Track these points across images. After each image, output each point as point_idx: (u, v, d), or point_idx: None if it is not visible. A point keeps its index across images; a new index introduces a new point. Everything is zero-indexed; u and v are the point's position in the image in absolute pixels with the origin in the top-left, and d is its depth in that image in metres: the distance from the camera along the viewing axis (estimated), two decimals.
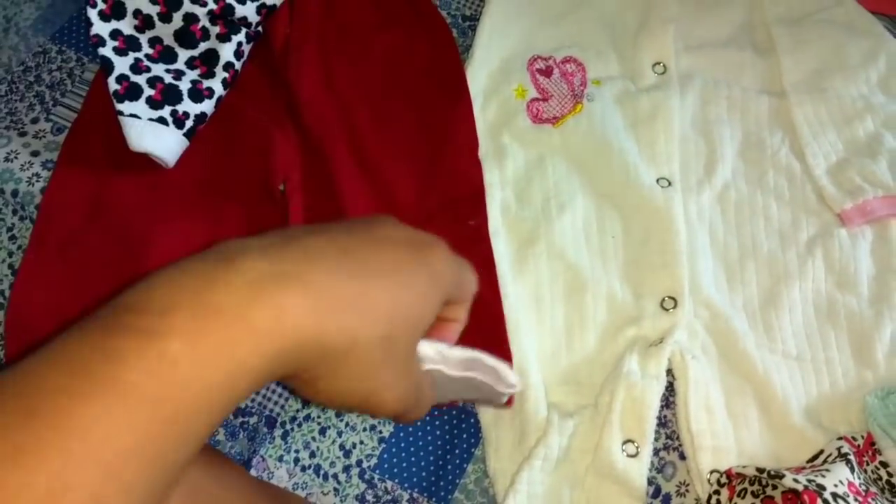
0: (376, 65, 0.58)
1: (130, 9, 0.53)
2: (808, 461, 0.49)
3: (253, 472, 0.49)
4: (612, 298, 0.53)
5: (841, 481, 0.46)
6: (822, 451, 0.49)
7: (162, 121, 0.51)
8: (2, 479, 0.19)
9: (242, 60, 0.56)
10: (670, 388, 0.52)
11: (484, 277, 0.51)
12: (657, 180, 0.56)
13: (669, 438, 0.52)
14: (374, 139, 0.56)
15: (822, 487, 0.43)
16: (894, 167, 0.56)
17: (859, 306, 0.53)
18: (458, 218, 0.54)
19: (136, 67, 0.52)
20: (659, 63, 0.61)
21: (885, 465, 0.49)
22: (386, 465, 0.51)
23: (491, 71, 0.61)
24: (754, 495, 0.47)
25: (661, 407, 0.51)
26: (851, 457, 0.48)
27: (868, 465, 0.49)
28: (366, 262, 0.28)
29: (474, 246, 0.53)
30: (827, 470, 0.46)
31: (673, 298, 0.53)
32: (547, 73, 0.61)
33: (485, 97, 0.60)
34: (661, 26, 0.62)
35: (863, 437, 0.49)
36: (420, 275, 0.29)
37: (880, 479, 0.49)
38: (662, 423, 0.52)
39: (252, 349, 0.23)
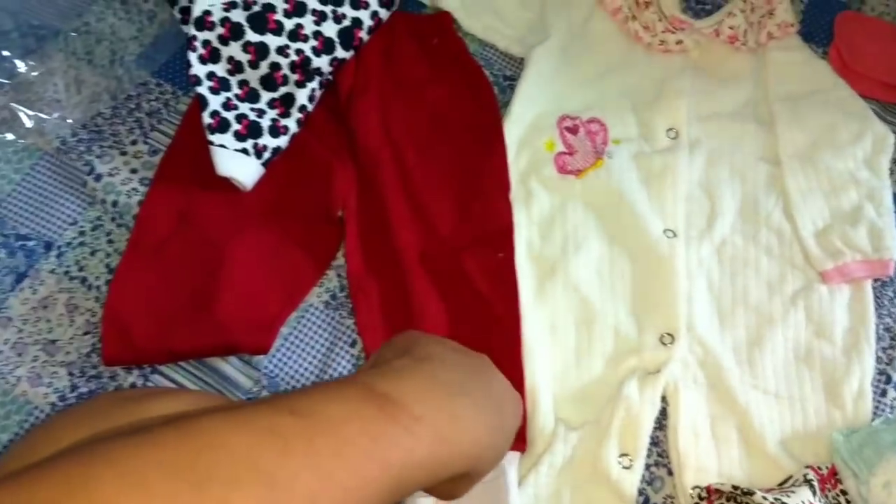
0: (425, 113, 0.67)
1: (225, 55, 0.62)
2: (778, 485, 0.57)
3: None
4: (618, 330, 0.62)
5: (803, 502, 0.53)
6: (790, 476, 0.57)
7: (245, 151, 0.61)
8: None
9: (314, 104, 0.65)
10: (663, 413, 0.60)
11: (508, 303, 0.60)
12: (664, 231, 0.65)
13: (660, 456, 0.59)
14: (419, 177, 0.65)
15: None
16: (873, 235, 0.64)
17: (833, 354, 0.61)
18: (488, 250, 0.63)
19: (227, 105, 0.61)
20: (672, 129, 0.70)
21: (844, 493, 0.56)
22: None
23: (525, 125, 0.69)
24: None
25: (655, 428, 0.59)
26: (815, 483, 0.55)
27: (830, 491, 0.56)
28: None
29: (502, 275, 0.61)
30: (792, 491, 0.54)
31: (671, 335, 0.61)
32: (574, 130, 0.69)
33: (518, 147, 0.69)
34: (674, 98, 0.70)
35: (828, 467, 0.57)
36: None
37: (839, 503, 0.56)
38: (655, 442, 0.59)
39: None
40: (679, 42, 0.73)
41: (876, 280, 0.65)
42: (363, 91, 0.67)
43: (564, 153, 0.69)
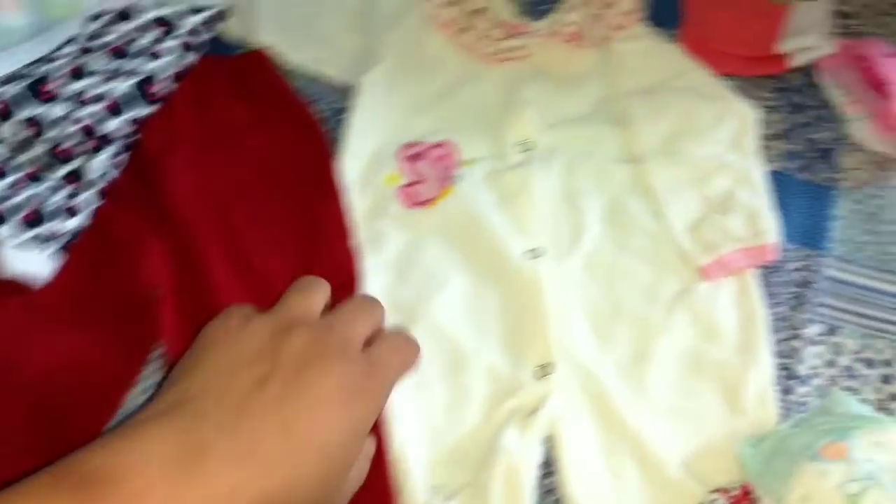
0: (251, 165, 0.61)
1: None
2: None
3: None
4: (491, 372, 0.55)
5: None
6: None
7: (36, 240, 0.53)
8: None
9: (118, 170, 0.58)
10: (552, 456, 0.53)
11: None
12: (526, 252, 0.59)
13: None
14: (249, 237, 0.57)
15: None
16: (748, 221, 0.59)
17: (725, 356, 0.56)
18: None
19: (10, 190, 0.54)
20: (523, 141, 0.64)
21: None
22: None
23: (364, 161, 0.63)
24: None
25: (546, 474, 0.52)
26: None
27: None
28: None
29: None
30: None
31: (546, 366, 0.54)
32: (417, 158, 0.63)
33: (361, 186, 0.62)
34: (522, 108, 0.65)
35: (740, 486, 0.51)
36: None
37: None
38: (549, 490, 0.52)
39: None
40: (518, 48, 0.68)
41: (761, 267, 0.60)
42: (174, 148, 0.60)
43: (410, 184, 0.62)
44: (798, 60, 0.68)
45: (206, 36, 0.63)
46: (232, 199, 0.59)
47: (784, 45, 0.67)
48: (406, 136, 0.64)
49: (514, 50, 0.67)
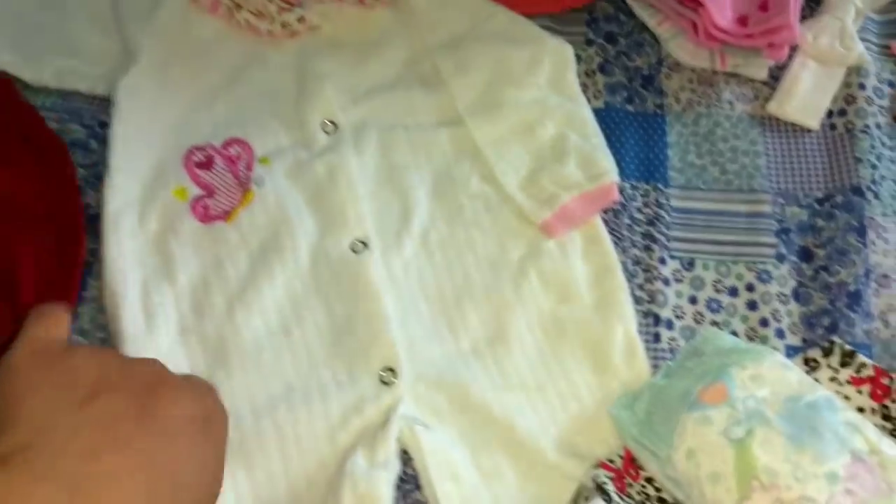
0: None
1: None
2: (570, 503, 0.44)
3: None
4: (326, 394, 0.47)
5: None
6: (580, 487, 0.44)
7: None
8: None
9: None
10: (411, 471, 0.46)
11: None
12: (351, 246, 0.51)
13: None
14: None
15: None
16: (584, 165, 0.54)
17: (585, 315, 0.50)
18: None
19: None
20: (326, 121, 0.56)
21: (650, 480, 0.45)
22: None
23: (142, 177, 0.53)
24: None
25: (413, 490, 0.45)
26: (609, 485, 0.43)
27: (632, 486, 0.45)
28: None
29: None
30: None
31: (391, 369, 0.47)
32: (207, 164, 0.54)
33: (142, 206, 0.52)
34: (317, 84, 0.57)
35: (621, 456, 0.45)
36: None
37: (648, 497, 0.45)
38: None
39: None
40: (301, 19, 0.60)
41: (606, 212, 0.55)
42: None
43: (203, 196, 0.53)
44: None
45: None
46: None
47: None
48: (190, 140, 0.55)
49: (298, 22, 0.59)
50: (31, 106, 0.55)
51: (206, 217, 0.53)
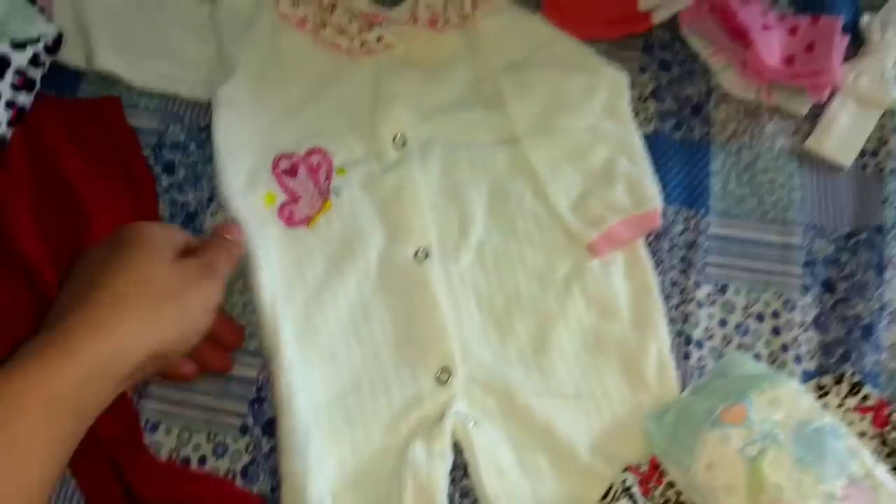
0: (80, 215, 0.57)
1: None
2: (599, 501, 0.51)
3: None
4: (389, 387, 0.54)
5: None
6: (610, 488, 0.51)
7: None
8: None
9: None
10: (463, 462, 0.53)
11: None
12: (415, 254, 0.57)
13: None
14: None
15: None
16: (631, 190, 0.59)
17: (623, 331, 0.56)
18: None
19: None
20: (397, 136, 0.62)
21: (672, 485, 0.51)
22: None
23: (240, 184, 0.59)
24: None
25: (462, 477, 0.52)
26: (635, 488, 0.50)
27: (655, 489, 0.51)
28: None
29: None
30: None
31: (447, 370, 0.54)
32: (293, 172, 0.61)
33: (241, 203, 0.58)
34: (391, 101, 0.63)
35: (647, 461, 0.52)
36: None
37: (669, 500, 0.51)
38: (464, 493, 0.52)
39: None
40: (380, 39, 0.65)
41: (648, 235, 0.60)
42: (13, 195, 0.55)
43: (288, 202, 0.60)
44: (660, 17, 0.67)
45: (36, 73, 0.58)
46: (66, 247, 0.55)
47: (644, 3, 0.66)
48: (278, 147, 0.61)
49: (376, 41, 0.65)
50: (133, 131, 0.62)
51: (290, 221, 0.59)
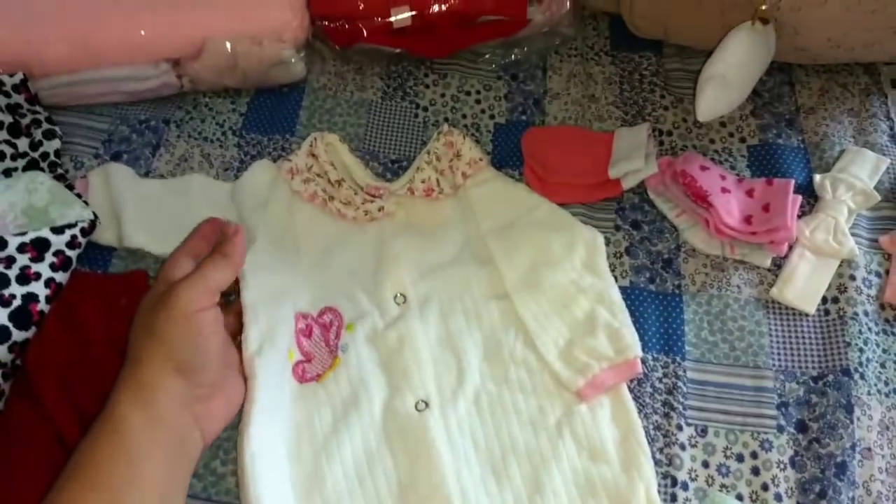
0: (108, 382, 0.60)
1: None
2: None
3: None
4: None
5: None
6: None
7: None
8: None
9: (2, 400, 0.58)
10: None
11: None
12: (416, 405, 0.62)
13: None
14: None
15: None
16: (612, 339, 0.65)
17: (612, 474, 0.59)
18: None
19: None
20: (398, 294, 0.68)
21: None
22: None
23: (261, 330, 0.64)
24: None
25: None
26: None
27: None
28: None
29: None
30: None
31: None
32: (308, 333, 0.66)
33: (260, 362, 0.63)
34: (393, 262, 0.69)
35: None
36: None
37: None
38: None
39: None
40: (381, 208, 0.72)
41: (631, 381, 0.65)
42: (45, 362, 0.60)
43: (302, 361, 0.65)
44: (628, 183, 0.75)
45: (73, 253, 0.64)
46: (91, 409, 0.59)
47: (612, 172, 0.75)
48: (296, 307, 0.67)
49: (378, 210, 0.72)
50: None
51: (303, 378, 0.64)
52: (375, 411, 0.62)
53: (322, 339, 0.66)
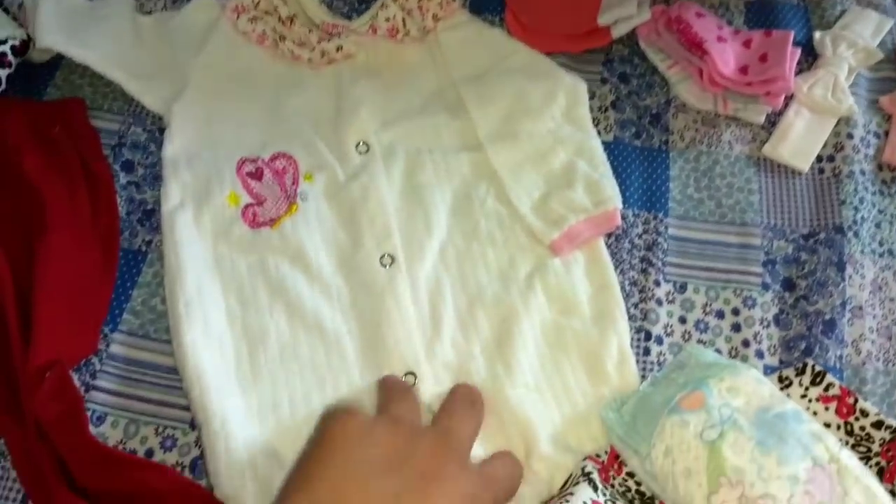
0: (39, 215, 0.56)
1: None
2: (560, 488, 0.49)
3: None
4: (354, 389, 0.53)
5: (585, 502, 0.46)
6: (570, 475, 0.49)
7: None
8: None
9: None
10: None
11: None
12: (381, 259, 0.57)
13: None
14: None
15: None
16: (591, 190, 0.60)
17: (584, 327, 0.55)
18: None
19: None
20: (361, 143, 0.63)
21: (631, 474, 0.50)
22: None
23: (197, 175, 0.60)
24: None
25: None
26: (594, 475, 0.48)
27: (615, 478, 0.50)
28: None
29: None
30: (571, 493, 0.47)
31: (412, 373, 0.53)
32: (258, 175, 0.61)
33: (196, 206, 0.59)
34: (354, 109, 0.64)
35: (606, 452, 0.50)
36: None
37: (629, 490, 0.50)
38: None
39: None
40: (340, 48, 0.66)
41: (609, 236, 0.60)
42: None
43: (252, 204, 0.60)
44: (619, 31, 0.69)
45: (2, 72, 0.58)
46: (21, 243, 0.55)
47: (603, 19, 0.68)
48: (241, 152, 0.62)
49: (336, 51, 0.66)
50: (95, 131, 0.63)
51: (254, 223, 0.59)
52: (336, 263, 0.57)
53: (276, 182, 0.60)
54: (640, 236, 0.61)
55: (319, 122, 0.64)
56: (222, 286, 0.56)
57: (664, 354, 0.56)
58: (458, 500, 0.35)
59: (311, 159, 0.62)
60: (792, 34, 0.67)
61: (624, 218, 0.61)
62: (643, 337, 0.56)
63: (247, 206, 0.59)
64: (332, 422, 0.37)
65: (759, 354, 0.56)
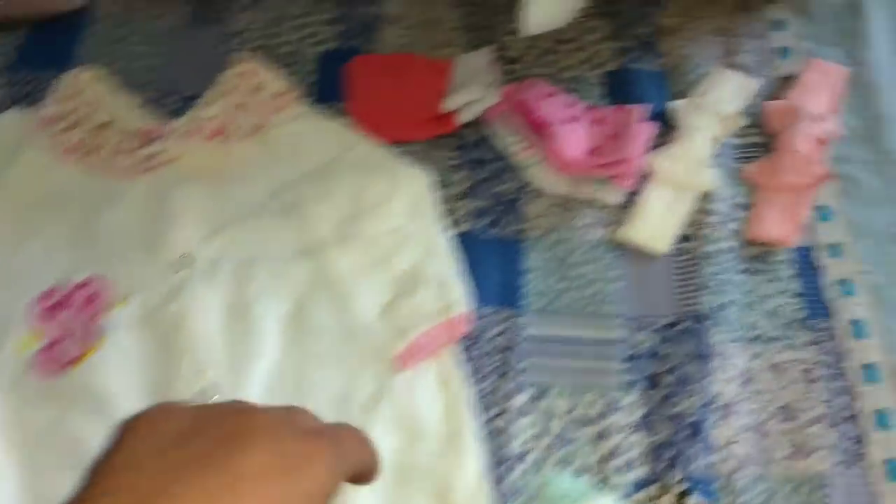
0: None
1: None
2: None
3: None
4: None
5: None
6: None
7: None
8: None
9: None
10: None
11: None
12: (200, 392, 0.51)
13: None
14: None
15: None
16: (437, 294, 0.55)
17: (431, 458, 0.51)
18: None
19: None
20: (184, 255, 0.56)
21: None
22: None
23: None
24: None
25: None
26: None
27: None
28: None
29: None
30: None
31: None
32: (59, 308, 0.54)
33: None
34: (174, 219, 0.58)
35: None
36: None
37: None
38: None
39: None
40: (160, 152, 0.60)
41: (465, 337, 0.55)
42: None
43: (50, 345, 0.53)
44: (467, 116, 0.65)
45: None
46: None
47: (449, 103, 0.64)
48: (43, 284, 0.55)
49: (155, 156, 0.60)
50: None
51: (52, 367, 0.52)
52: (146, 403, 0.50)
53: (81, 314, 0.54)
54: (497, 336, 0.56)
55: (134, 237, 0.57)
56: (10, 450, 0.48)
57: (527, 474, 0.51)
58: (265, 464, 0.28)
59: (125, 281, 0.55)
60: (639, 108, 0.64)
61: (480, 318, 0.56)
62: (500, 458, 0.51)
63: (43, 349, 0.52)
64: (125, 419, 0.29)
65: (629, 465, 0.51)
